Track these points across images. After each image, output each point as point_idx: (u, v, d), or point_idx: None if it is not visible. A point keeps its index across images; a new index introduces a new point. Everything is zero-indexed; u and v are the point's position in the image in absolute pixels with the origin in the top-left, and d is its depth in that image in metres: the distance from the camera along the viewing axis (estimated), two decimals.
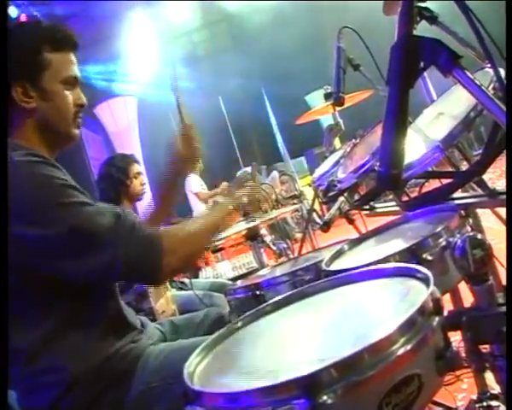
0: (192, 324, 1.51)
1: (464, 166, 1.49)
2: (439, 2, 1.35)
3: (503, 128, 0.79)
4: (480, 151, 1.22)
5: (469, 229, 1.01)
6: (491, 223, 1.87)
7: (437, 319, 0.63)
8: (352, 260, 1.15)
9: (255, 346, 0.81)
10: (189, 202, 5.64)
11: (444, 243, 0.91)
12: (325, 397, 0.54)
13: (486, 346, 0.72)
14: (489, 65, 1.07)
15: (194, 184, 5.57)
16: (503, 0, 0.96)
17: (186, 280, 2.38)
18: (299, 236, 5.28)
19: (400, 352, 0.57)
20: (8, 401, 1.10)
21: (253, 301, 1.24)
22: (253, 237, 2.05)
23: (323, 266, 1.09)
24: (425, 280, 0.71)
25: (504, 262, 0.81)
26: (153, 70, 8.03)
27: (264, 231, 3.47)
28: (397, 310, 0.71)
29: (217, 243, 2.01)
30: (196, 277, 3.13)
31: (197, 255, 1.28)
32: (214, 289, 2.27)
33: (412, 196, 1.62)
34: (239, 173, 4.65)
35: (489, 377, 1.25)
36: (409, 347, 0.58)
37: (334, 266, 1.11)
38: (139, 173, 2.81)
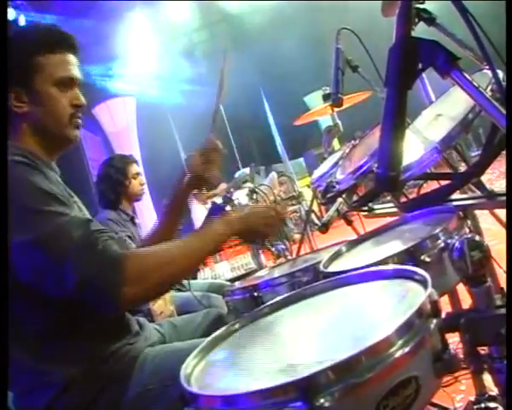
0: (191, 324, 1.51)
1: (462, 168, 1.49)
2: (437, 4, 1.35)
3: (501, 130, 0.79)
4: (479, 153, 1.22)
5: (467, 230, 1.00)
6: (489, 224, 1.87)
7: (435, 321, 0.63)
8: (351, 261, 1.15)
9: (253, 348, 0.81)
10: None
11: (442, 245, 0.91)
12: (322, 400, 0.54)
13: (484, 348, 0.72)
14: (487, 66, 1.07)
15: None
16: (502, 0, 0.96)
17: (184, 281, 2.38)
18: (297, 237, 5.28)
19: (398, 354, 0.57)
20: None
21: (251, 302, 1.24)
22: None
23: (322, 268, 1.09)
24: (423, 282, 0.71)
25: (502, 264, 0.81)
26: (152, 70, 8.02)
27: None
28: (395, 312, 0.71)
29: None
30: (195, 278, 3.12)
31: (171, 284, 1.15)
32: (212, 290, 2.26)
33: (410, 197, 1.63)
34: (237, 175, 4.66)
35: (487, 378, 1.24)
36: (406, 349, 0.58)
37: (333, 268, 1.11)
38: (138, 174, 2.82)
